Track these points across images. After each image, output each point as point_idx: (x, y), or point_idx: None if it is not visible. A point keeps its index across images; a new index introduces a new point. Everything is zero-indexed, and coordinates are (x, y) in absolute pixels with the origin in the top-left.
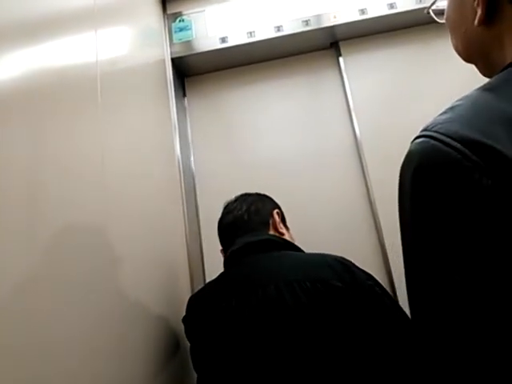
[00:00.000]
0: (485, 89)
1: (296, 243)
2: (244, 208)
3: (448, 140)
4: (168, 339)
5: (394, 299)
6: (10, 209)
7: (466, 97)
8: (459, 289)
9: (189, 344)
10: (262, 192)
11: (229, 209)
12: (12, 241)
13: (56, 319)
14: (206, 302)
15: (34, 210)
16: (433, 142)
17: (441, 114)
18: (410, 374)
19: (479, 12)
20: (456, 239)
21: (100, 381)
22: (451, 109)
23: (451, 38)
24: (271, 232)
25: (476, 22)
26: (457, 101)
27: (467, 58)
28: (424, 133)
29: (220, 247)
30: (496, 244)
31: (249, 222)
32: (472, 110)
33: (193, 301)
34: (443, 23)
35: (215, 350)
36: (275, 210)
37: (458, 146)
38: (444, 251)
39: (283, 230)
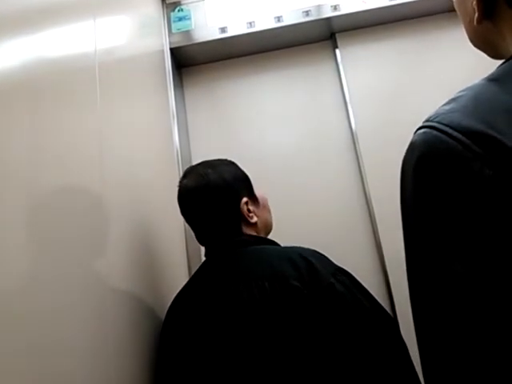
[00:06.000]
0: (488, 80)
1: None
2: (210, 205)
3: (450, 131)
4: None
5: (361, 296)
6: (8, 201)
7: (469, 88)
8: (459, 278)
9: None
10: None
11: (190, 193)
12: (12, 233)
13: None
14: (179, 302)
15: (32, 198)
16: (435, 132)
17: (444, 105)
18: (376, 376)
19: (476, 14)
20: (457, 228)
21: (99, 379)
22: (454, 99)
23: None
24: (243, 225)
25: (474, 22)
26: (460, 91)
27: (475, 45)
28: (426, 123)
29: None
30: (496, 233)
31: (219, 222)
32: (475, 100)
33: (173, 300)
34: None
35: (179, 350)
36: (242, 201)
37: (460, 136)
38: (445, 240)
39: (254, 219)
